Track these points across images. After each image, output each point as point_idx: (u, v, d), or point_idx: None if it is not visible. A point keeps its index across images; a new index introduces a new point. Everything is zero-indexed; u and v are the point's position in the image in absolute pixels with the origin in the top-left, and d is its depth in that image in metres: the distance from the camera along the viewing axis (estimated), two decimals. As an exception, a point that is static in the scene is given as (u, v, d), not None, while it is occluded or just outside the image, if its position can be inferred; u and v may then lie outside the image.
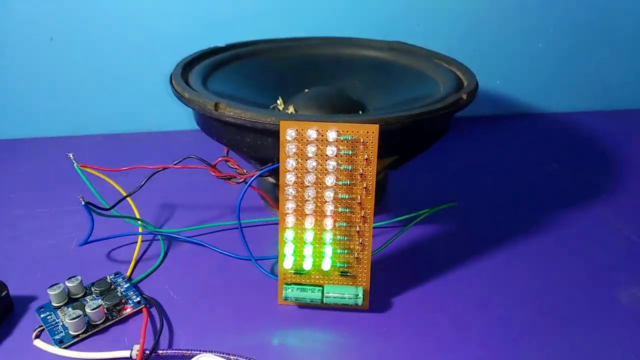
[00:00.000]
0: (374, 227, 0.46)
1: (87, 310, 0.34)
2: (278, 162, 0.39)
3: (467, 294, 0.39)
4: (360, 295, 0.36)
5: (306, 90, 0.49)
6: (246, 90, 0.48)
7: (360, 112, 0.47)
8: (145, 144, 0.64)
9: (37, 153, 0.61)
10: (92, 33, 0.61)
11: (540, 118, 0.74)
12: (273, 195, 0.48)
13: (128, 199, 0.43)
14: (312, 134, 0.34)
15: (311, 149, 0.34)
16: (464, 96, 0.41)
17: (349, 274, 0.36)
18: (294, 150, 0.35)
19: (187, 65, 0.48)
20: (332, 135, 0.34)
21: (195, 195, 0.51)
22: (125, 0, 0.60)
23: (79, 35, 0.61)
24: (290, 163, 0.35)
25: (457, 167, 0.59)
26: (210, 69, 0.48)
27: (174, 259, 0.43)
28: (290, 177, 0.35)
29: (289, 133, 0.34)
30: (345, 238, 0.36)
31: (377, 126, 0.34)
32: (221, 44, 0.54)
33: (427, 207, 0.46)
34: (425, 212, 0.45)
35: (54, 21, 0.60)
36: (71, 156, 0.41)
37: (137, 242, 0.44)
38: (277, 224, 0.47)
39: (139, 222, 0.45)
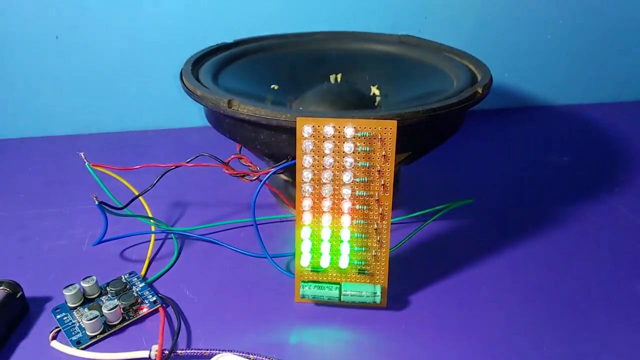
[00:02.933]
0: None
1: (104, 310, 0.34)
2: (293, 159, 0.38)
3: (485, 289, 0.39)
4: (379, 293, 0.35)
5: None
6: (256, 86, 0.48)
7: (376, 109, 0.47)
8: (155, 141, 0.63)
9: (46, 152, 0.60)
10: (98, 30, 0.60)
11: (548, 110, 0.74)
12: (285, 192, 0.48)
13: (140, 197, 0.42)
14: (329, 130, 0.34)
15: (328, 146, 0.34)
16: (480, 90, 0.40)
17: (366, 271, 0.36)
18: (310, 147, 0.34)
19: (197, 62, 0.47)
20: (349, 131, 0.34)
21: (206, 193, 0.51)
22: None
23: (85, 33, 0.60)
24: (307, 160, 0.34)
25: (466, 161, 0.58)
26: (219, 65, 0.48)
27: (188, 257, 0.42)
28: (307, 174, 0.35)
29: (305, 129, 0.34)
30: (363, 235, 0.36)
31: (395, 122, 0.33)
32: (228, 40, 0.53)
33: (440, 201, 0.46)
34: (442, 210, 0.44)
35: (60, 19, 0.59)
36: (82, 155, 0.41)
37: (150, 241, 0.44)
38: (289, 220, 0.47)
39: (152, 220, 0.45)
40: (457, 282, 0.39)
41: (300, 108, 0.45)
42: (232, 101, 0.37)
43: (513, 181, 0.54)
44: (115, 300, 0.36)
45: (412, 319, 0.36)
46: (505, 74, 0.73)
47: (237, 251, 0.42)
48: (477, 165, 0.58)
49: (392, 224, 0.45)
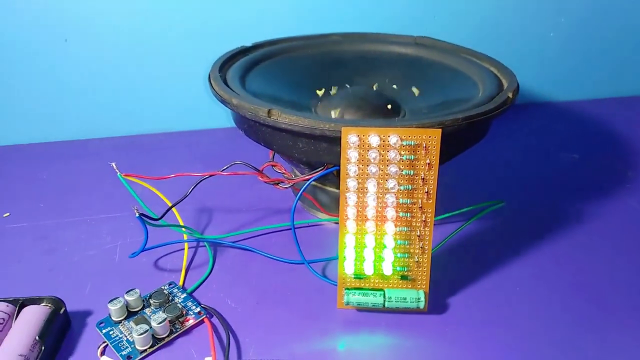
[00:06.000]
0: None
1: (153, 324, 0.34)
2: (331, 167, 0.39)
3: (519, 291, 0.40)
4: (422, 298, 0.36)
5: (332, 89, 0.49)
6: (279, 90, 0.48)
7: (401, 113, 0.48)
8: (170, 144, 0.63)
9: (57, 157, 0.59)
10: (108, 32, 0.59)
11: (554, 107, 0.76)
12: (314, 197, 0.48)
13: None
14: (374, 139, 0.34)
15: (372, 155, 0.34)
16: (510, 95, 0.41)
17: (408, 277, 0.37)
18: (355, 156, 0.34)
19: (222, 67, 0.47)
20: (394, 140, 0.34)
21: (233, 199, 0.51)
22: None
23: (95, 35, 0.59)
24: (352, 169, 0.35)
25: (480, 162, 0.59)
26: (244, 70, 0.47)
27: (223, 265, 0.42)
28: (351, 183, 0.35)
29: (350, 139, 0.34)
30: (406, 242, 0.36)
31: (439, 131, 0.34)
32: (242, 42, 0.53)
33: (463, 202, 0.47)
34: (477, 215, 0.45)
35: (68, 22, 0.58)
36: (114, 165, 0.40)
37: (182, 249, 0.43)
38: (316, 225, 0.48)
39: (184, 229, 0.44)
40: (492, 283, 0.40)
41: (340, 114, 0.45)
42: (272, 110, 0.37)
43: (524, 181, 0.55)
44: (161, 312, 0.36)
45: (453, 322, 0.37)
46: (509, 72, 0.74)
47: (272, 258, 0.43)
48: (485, 166, 0.58)
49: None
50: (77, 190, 0.53)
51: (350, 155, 0.35)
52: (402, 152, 0.34)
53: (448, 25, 0.68)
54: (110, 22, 0.59)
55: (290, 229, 0.46)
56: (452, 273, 0.41)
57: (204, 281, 0.40)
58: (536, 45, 0.73)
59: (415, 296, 0.36)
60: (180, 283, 0.40)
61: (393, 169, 0.35)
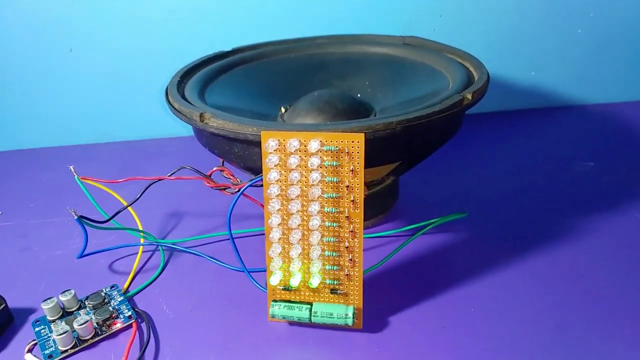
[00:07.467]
0: (380, 237, 0.44)
1: (75, 325, 0.34)
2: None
3: (474, 311, 0.36)
4: (350, 314, 0.34)
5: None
6: (247, 98, 0.47)
7: (370, 114, 0.45)
8: (160, 150, 0.64)
9: (60, 161, 0.63)
10: (110, 42, 0.62)
11: (579, 110, 0.69)
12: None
13: (130, 209, 0.43)
14: (294, 144, 0.32)
15: (294, 160, 0.33)
16: (469, 96, 0.37)
17: (339, 291, 0.34)
18: (276, 161, 0.33)
19: (186, 74, 0.47)
20: (314, 145, 0.32)
21: (200, 204, 0.51)
22: (133, 10, 0.60)
23: (98, 45, 0.62)
24: (273, 175, 0.33)
25: (484, 167, 0.55)
26: (209, 77, 0.47)
27: (173, 270, 0.42)
28: (273, 190, 0.33)
29: (269, 144, 0.33)
30: (334, 254, 0.34)
31: (362, 135, 0.32)
32: (229, 47, 0.53)
33: (440, 213, 0.43)
34: (429, 225, 0.42)
35: (73, 33, 0.61)
36: (72, 169, 0.41)
37: (143, 252, 0.44)
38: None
39: (141, 233, 0.45)
40: (443, 303, 0.37)
41: (298, 118, 0.44)
42: (203, 115, 0.36)
43: (526, 190, 0.50)
44: (90, 314, 0.36)
45: (387, 342, 0.34)
46: (531, 73, 0.68)
47: (219, 264, 0.42)
48: (493, 172, 0.54)
49: (384, 237, 0.44)
50: (69, 192, 0.55)
51: (271, 160, 0.33)
52: (325, 158, 0.32)
53: (459, 24, 0.64)
54: (113, 32, 0.61)
55: (245, 235, 0.46)
56: (400, 288, 0.38)
57: (148, 285, 0.40)
58: (562, 43, 0.66)
59: (344, 312, 0.34)
60: (124, 286, 0.40)
61: (316, 175, 0.33)
